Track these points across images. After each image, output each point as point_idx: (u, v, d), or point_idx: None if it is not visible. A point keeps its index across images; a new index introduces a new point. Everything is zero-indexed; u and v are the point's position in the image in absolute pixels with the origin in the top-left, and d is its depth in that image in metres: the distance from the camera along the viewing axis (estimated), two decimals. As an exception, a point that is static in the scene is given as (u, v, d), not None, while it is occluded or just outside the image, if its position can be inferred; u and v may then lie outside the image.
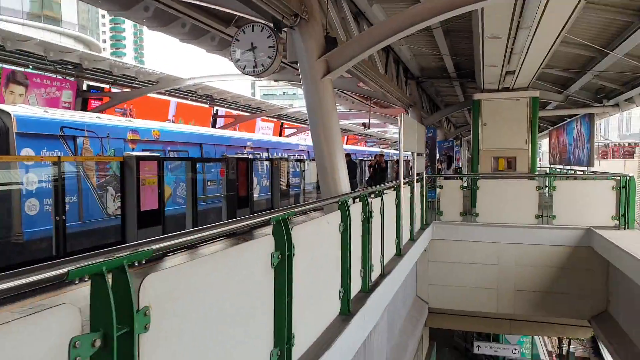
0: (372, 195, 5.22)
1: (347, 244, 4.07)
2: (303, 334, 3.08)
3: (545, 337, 17.48)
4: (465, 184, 9.70)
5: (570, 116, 14.37)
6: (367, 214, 4.68)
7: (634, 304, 7.07)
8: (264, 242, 2.75)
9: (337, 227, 3.99)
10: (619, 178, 8.54)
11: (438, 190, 9.66)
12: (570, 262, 8.69)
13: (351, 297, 4.12)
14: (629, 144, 43.60)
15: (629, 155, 38.83)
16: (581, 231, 8.57)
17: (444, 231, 9.33)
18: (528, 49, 7.51)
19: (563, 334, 10.45)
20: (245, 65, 6.12)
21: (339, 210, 4.08)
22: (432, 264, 9.45)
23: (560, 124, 16.36)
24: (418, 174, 7.95)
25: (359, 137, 32.74)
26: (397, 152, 7.44)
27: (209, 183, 10.36)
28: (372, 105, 12.93)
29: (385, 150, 25.10)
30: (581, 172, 12.54)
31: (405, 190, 7.20)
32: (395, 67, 11.60)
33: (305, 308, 3.13)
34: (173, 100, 15.52)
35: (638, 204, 8.87)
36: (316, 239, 3.67)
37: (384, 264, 5.48)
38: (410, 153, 7.59)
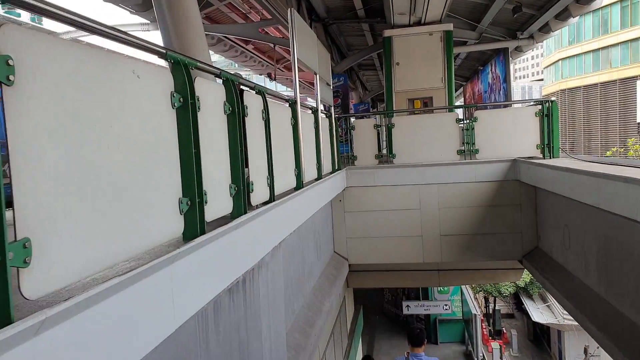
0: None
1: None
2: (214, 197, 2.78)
3: (475, 295, 17.37)
4: (379, 123, 8.58)
5: (484, 61, 13.90)
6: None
7: (566, 230, 6.33)
8: (161, 75, 2.37)
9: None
10: (540, 104, 7.83)
11: (352, 133, 8.49)
12: (497, 199, 7.89)
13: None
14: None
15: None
16: (506, 163, 7.79)
17: (359, 177, 8.17)
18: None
19: (494, 279, 9.84)
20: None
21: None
22: (349, 216, 8.29)
23: (474, 76, 16.01)
24: (323, 102, 6.67)
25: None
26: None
27: None
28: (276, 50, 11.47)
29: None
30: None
31: (307, 118, 5.89)
32: (298, 5, 10.24)
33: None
34: None
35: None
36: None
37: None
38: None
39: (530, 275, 27.47)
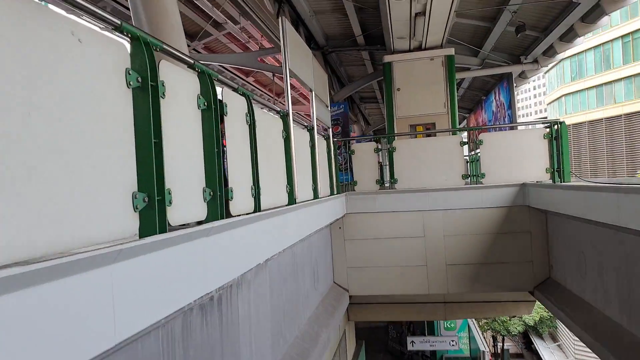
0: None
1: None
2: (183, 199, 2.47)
3: (482, 334, 16.49)
4: (380, 147, 8.26)
5: (487, 91, 13.71)
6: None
7: (581, 256, 5.86)
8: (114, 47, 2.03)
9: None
10: (549, 125, 7.50)
11: (351, 157, 8.16)
12: (506, 225, 7.45)
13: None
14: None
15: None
16: (514, 188, 7.39)
17: (360, 203, 7.78)
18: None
19: (504, 312, 9.22)
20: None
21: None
22: (350, 244, 7.84)
23: (477, 107, 15.81)
24: (320, 122, 6.37)
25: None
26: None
27: None
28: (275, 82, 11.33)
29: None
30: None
31: (302, 135, 5.59)
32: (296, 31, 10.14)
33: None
34: None
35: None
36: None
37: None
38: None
39: (540, 313, 26.48)
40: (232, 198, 3.04)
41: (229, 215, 2.99)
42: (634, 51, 32.64)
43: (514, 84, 11.52)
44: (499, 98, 12.18)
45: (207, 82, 2.93)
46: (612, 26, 34.24)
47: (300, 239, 4.56)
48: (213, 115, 2.92)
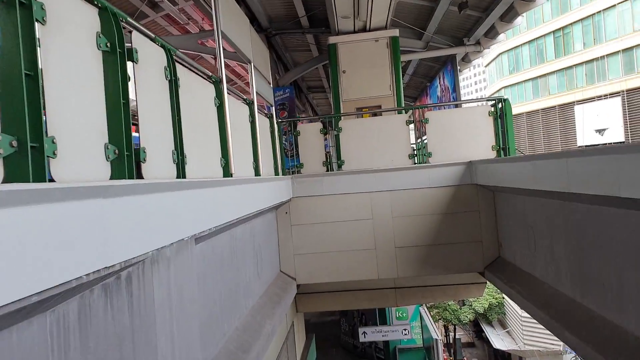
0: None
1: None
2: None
3: (435, 324, 16.54)
4: (325, 128, 7.91)
5: (431, 77, 13.72)
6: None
7: (530, 231, 5.77)
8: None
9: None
10: (493, 102, 7.44)
11: (297, 139, 7.76)
12: (454, 205, 7.31)
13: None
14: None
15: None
16: (462, 167, 7.26)
17: (306, 186, 7.40)
18: None
19: (455, 296, 9.17)
20: None
21: None
22: (297, 230, 7.44)
23: (422, 94, 15.86)
24: (262, 97, 5.93)
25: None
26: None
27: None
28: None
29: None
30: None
31: (240, 108, 5.12)
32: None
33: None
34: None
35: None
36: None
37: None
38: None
39: (488, 300, 27.23)
40: (144, 160, 2.56)
41: (140, 178, 2.51)
42: (565, 45, 34.31)
43: (458, 68, 11.56)
44: (444, 82, 12.20)
45: (110, 20, 2.43)
46: (545, 22, 35.87)
47: (237, 217, 4.10)
48: (119, 61, 2.42)
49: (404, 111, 7.91)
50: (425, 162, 7.44)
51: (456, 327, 28.63)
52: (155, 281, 2.48)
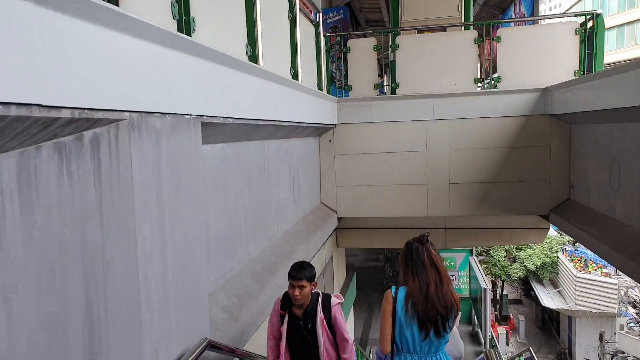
0: None
1: None
2: None
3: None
4: (380, 45, 7.02)
5: (504, 9, 12.14)
6: None
7: (614, 165, 4.81)
8: None
9: None
10: (583, 18, 6.24)
11: (346, 56, 6.95)
12: (522, 139, 6.36)
13: None
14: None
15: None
16: (535, 94, 6.23)
17: (354, 111, 6.66)
18: None
19: (512, 241, 8.37)
20: None
21: None
22: (340, 160, 6.80)
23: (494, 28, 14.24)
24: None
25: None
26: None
27: None
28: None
29: None
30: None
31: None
32: None
33: None
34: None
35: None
36: None
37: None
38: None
39: (542, 258, 25.87)
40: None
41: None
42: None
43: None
44: (519, 9, 10.69)
45: None
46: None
47: (263, 118, 3.48)
48: None
49: (471, 28, 6.85)
50: (494, 88, 6.46)
51: (504, 283, 27.63)
52: (136, 155, 1.92)
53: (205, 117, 2.60)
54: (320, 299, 2.98)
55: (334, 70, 8.77)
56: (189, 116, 2.40)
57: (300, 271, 2.89)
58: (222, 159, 3.41)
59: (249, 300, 3.54)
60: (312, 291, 2.98)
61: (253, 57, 3.48)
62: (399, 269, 3.53)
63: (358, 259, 20.07)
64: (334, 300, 3.01)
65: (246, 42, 3.45)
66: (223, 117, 2.82)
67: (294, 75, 4.65)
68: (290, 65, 4.60)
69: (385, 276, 17.85)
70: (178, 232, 2.32)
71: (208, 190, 3.11)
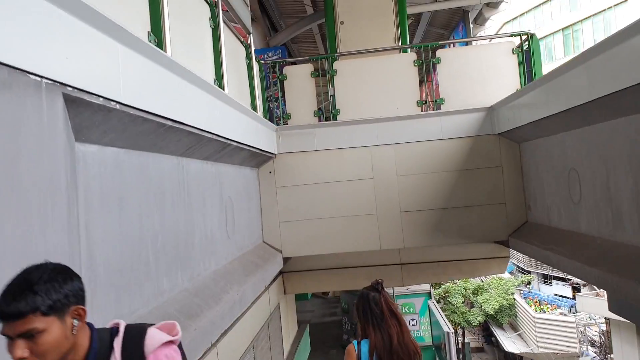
0: None
1: None
2: None
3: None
4: (317, 72, 6.65)
5: (451, 27, 12.22)
6: None
7: (572, 175, 4.48)
8: None
9: None
10: (518, 37, 6.17)
11: (283, 84, 6.53)
12: (471, 161, 6.04)
13: None
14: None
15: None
16: (480, 113, 5.99)
17: (294, 140, 6.15)
18: None
19: (473, 273, 7.86)
20: None
21: None
22: (283, 192, 6.18)
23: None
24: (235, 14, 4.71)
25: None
26: None
27: None
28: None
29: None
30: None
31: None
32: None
33: None
34: None
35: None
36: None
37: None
38: None
39: (499, 302, 25.60)
40: None
41: None
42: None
43: (471, 25, 10.27)
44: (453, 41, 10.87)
45: None
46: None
47: (169, 115, 2.83)
48: None
49: (409, 51, 6.66)
50: (438, 109, 6.18)
51: (464, 330, 27.05)
52: None
53: (70, 89, 1.94)
54: (119, 342, 1.36)
55: (275, 110, 8.33)
56: (36, 77, 1.74)
57: (17, 298, 1.15)
58: (118, 168, 2.71)
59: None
60: (90, 331, 1.36)
61: (160, 44, 2.90)
62: (356, 321, 3.18)
63: (314, 314, 18.95)
64: (155, 339, 1.39)
65: (149, 29, 2.87)
66: (104, 98, 2.16)
67: (220, 85, 4.08)
68: (215, 77, 4.04)
69: (343, 330, 16.79)
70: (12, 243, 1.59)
71: (91, 202, 2.39)
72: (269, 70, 7.45)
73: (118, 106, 2.30)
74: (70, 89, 1.95)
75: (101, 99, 2.16)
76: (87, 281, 2.32)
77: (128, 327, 1.37)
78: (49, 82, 1.83)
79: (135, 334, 1.36)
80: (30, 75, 1.73)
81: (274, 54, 9.64)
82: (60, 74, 1.87)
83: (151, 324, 1.41)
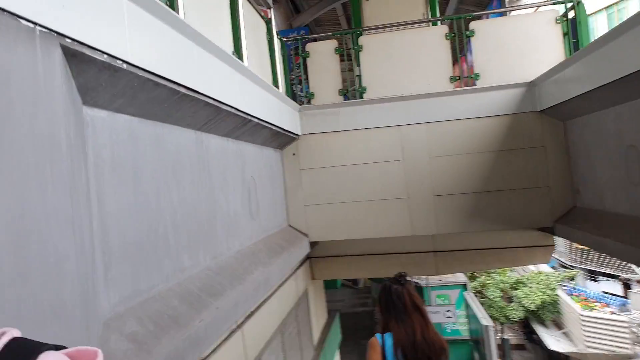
0: None
1: None
2: None
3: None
4: (342, 48, 6.39)
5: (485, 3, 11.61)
6: None
7: (631, 152, 4.08)
8: None
9: None
10: (562, 4, 5.74)
11: (306, 62, 6.30)
12: (510, 140, 5.66)
13: None
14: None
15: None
16: (519, 89, 5.59)
17: (318, 120, 5.92)
18: None
19: (514, 262, 7.44)
20: None
21: None
22: (308, 175, 5.98)
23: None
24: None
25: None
26: None
27: None
28: None
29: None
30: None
31: None
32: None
33: None
34: None
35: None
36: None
37: None
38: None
39: (541, 297, 24.38)
40: None
41: None
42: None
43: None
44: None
45: None
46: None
47: (182, 81, 2.66)
48: None
49: (439, 23, 6.31)
50: (472, 85, 5.83)
51: (504, 326, 26.09)
52: None
53: (69, 41, 1.78)
54: None
55: (299, 92, 8.12)
56: (28, 23, 1.58)
57: None
58: (131, 137, 2.56)
59: (174, 327, 2.57)
60: None
61: (172, 5, 2.73)
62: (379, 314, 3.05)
63: (344, 304, 18.79)
64: None
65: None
66: (108, 55, 2.00)
67: (238, 56, 3.90)
68: (233, 47, 3.86)
69: (375, 321, 16.57)
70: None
71: (102, 171, 2.25)
72: (292, 52, 7.25)
73: (125, 66, 2.13)
74: (69, 40, 1.78)
75: (105, 55, 1.99)
76: (100, 253, 2.19)
77: (12, 344, 0.74)
78: (44, 29, 1.67)
79: (20, 355, 0.73)
80: (22, 20, 1.57)
81: (297, 35, 9.39)
82: (56, 23, 1.70)
83: (61, 347, 0.77)
